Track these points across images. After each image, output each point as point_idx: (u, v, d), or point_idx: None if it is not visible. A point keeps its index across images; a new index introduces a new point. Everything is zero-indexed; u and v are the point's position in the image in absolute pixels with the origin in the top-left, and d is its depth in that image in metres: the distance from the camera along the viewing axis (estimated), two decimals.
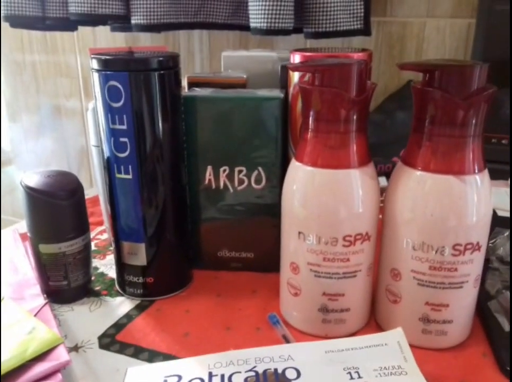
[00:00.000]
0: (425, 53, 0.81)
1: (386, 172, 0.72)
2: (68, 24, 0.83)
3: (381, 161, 0.73)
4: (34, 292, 0.44)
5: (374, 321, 0.42)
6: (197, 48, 0.92)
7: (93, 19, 0.79)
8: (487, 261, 0.45)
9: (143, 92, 0.40)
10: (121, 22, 0.83)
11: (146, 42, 0.95)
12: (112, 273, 0.50)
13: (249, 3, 0.73)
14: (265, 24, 0.71)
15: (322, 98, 0.35)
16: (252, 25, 0.73)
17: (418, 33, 0.80)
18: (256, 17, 0.72)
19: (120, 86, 0.39)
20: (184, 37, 0.92)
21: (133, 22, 0.78)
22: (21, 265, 0.49)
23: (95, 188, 0.67)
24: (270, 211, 0.48)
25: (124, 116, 0.40)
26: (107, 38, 0.98)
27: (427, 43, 0.80)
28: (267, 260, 0.50)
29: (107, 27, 0.89)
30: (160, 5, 0.76)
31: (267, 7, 0.70)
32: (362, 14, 0.75)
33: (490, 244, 0.49)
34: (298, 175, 0.38)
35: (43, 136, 1.18)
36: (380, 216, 0.40)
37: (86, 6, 0.76)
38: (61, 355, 0.35)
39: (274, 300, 0.45)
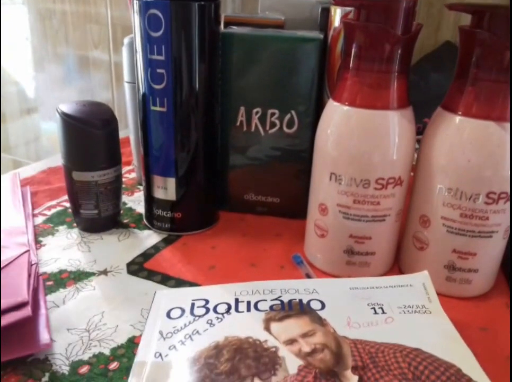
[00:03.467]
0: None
1: (417, 132, 0.71)
2: None
3: (416, 121, 0.72)
4: (20, 240, 0.43)
5: (397, 268, 0.43)
6: None
7: None
8: None
9: (183, 22, 0.39)
10: None
11: None
12: (139, 208, 0.51)
13: None
14: None
15: (367, 34, 0.35)
16: None
17: None
18: None
19: (160, 14, 0.39)
20: None
21: None
22: (15, 212, 0.48)
23: (122, 132, 0.67)
24: (299, 157, 0.48)
25: (163, 46, 0.40)
26: None
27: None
28: (293, 205, 0.50)
29: None
30: None
31: None
32: None
33: None
34: (334, 115, 0.38)
35: (69, 85, 1.18)
36: (414, 163, 0.39)
37: None
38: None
39: (298, 243, 0.45)
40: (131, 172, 0.61)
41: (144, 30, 0.40)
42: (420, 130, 0.41)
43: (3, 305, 0.32)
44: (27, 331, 0.32)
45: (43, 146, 1.28)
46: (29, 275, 0.36)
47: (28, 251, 0.40)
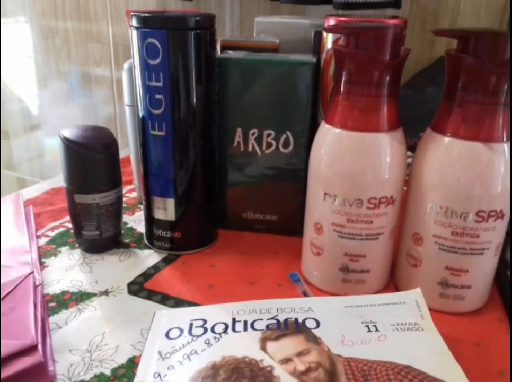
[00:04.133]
0: (460, 26, 0.80)
1: (412, 147, 0.72)
2: None
3: (408, 136, 0.73)
4: (24, 260, 0.44)
5: (393, 284, 0.43)
6: (228, 15, 0.92)
7: None
8: (508, 232, 0.46)
9: (180, 50, 0.41)
10: None
11: (177, 5, 0.95)
12: (140, 228, 0.52)
13: None
14: None
15: (356, 60, 0.36)
16: None
17: (453, 8, 0.79)
18: None
19: (157, 43, 0.40)
20: (215, 4, 0.92)
21: None
22: (18, 232, 0.49)
23: (124, 150, 0.68)
24: (295, 176, 0.49)
25: (161, 73, 0.41)
26: (139, 3, 0.98)
27: (461, 19, 0.79)
28: (290, 223, 0.51)
29: None
30: None
31: None
32: None
33: None
34: (327, 137, 0.39)
35: (72, 102, 1.20)
36: (405, 188, 0.40)
37: None
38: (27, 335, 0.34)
39: (295, 261, 0.46)
40: (132, 191, 0.62)
41: (142, 58, 0.41)
42: (416, 145, 0.42)
43: (12, 349, 0.32)
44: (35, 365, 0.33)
45: (47, 162, 1.30)
46: (35, 305, 0.37)
47: (32, 273, 0.42)
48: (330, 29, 0.43)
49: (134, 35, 0.41)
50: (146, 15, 0.40)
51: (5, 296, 0.39)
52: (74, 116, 1.20)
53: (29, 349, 0.32)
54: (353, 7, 0.74)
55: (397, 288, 0.43)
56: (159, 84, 0.42)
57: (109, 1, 1.02)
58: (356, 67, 0.36)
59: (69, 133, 0.44)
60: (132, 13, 0.41)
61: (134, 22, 0.41)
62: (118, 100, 1.11)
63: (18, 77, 1.25)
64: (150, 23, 0.40)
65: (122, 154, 0.69)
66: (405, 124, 0.56)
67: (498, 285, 0.43)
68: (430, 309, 0.36)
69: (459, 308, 0.40)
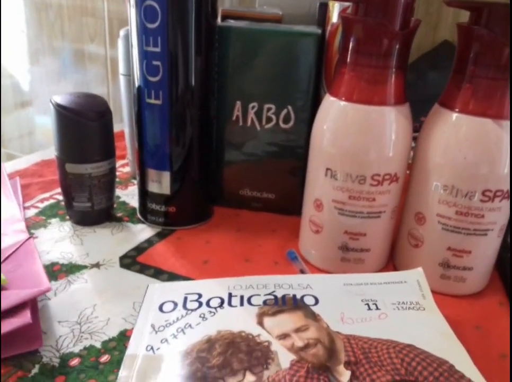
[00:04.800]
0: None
1: (414, 130, 0.71)
2: None
3: None
4: (18, 227, 0.43)
5: (392, 265, 0.42)
6: None
7: None
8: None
9: (180, 14, 0.39)
10: None
11: None
12: (133, 202, 0.51)
13: None
14: None
15: (365, 28, 0.35)
16: None
17: None
18: None
19: (156, 5, 0.38)
20: None
21: None
22: (8, 202, 0.48)
23: (117, 125, 0.67)
24: (294, 153, 0.48)
25: (159, 38, 0.39)
26: None
27: None
28: (288, 202, 0.50)
29: None
30: None
31: None
32: None
33: None
34: (331, 110, 0.38)
35: (65, 79, 1.18)
36: (410, 161, 0.39)
37: None
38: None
39: (293, 240, 0.45)
40: (125, 165, 0.60)
41: (140, 21, 0.39)
42: (417, 129, 0.41)
43: (28, 296, 0.31)
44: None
45: (37, 139, 1.27)
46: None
47: (31, 237, 0.40)
48: None
49: None
50: None
51: (7, 258, 0.38)
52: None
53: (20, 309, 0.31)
54: None
55: (396, 269, 0.42)
56: (157, 49, 0.40)
57: None
58: (364, 35, 0.35)
59: (61, 99, 0.42)
60: None
61: None
62: (112, 77, 1.09)
63: (9, 52, 1.22)
64: None
65: (115, 128, 0.68)
66: None
67: (498, 267, 0.42)
68: (431, 291, 0.35)
69: (460, 290, 0.39)
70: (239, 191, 0.51)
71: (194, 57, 0.41)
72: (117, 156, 0.61)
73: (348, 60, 0.36)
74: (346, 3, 0.42)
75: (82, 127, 0.42)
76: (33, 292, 0.31)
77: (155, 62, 0.40)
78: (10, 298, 0.31)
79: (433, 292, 0.37)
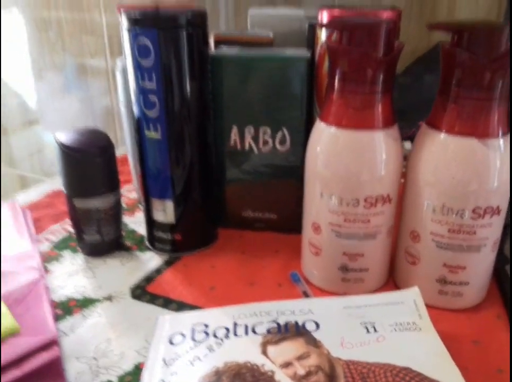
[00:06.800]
0: (458, 12, 0.79)
1: (411, 136, 0.72)
2: None
3: (406, 125, 0.73)
4: (31, 264, 0.44)
5: (392, 281, 0.44)
6: (223, 4, 0.91)
7: None
8: (508, 227, 0.46)
9: (172, 50, 0.41)
10: None
11: None
12: (141, 230, 0.53)
13: None
14: None
15: (349, 57, 0.36)
16: None
17: None
18: None
19: (149, 43, 0.40)
20: None
21: None
22: (20, 238, 0.49)
23: (122, 148, 0.69)
24: (293, 173, 0.49)
25: (153, 73, 0.41)
26: None
27: (460, 2, 0.78)
28: (290, 221, 0.52)
29: None
30: None
31: None
32: None
33: None
34: (322, 136, 0.39)
35: (69, 94, 1.20)
36: (402, 180, 0.41)
37: None
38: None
39: (295, 259, 0.46)
40: (131, 191, 0.62)
41: (134, 58, 0.41)
42: (414, 134, 0.42)
43: (33, 345, 0.33)
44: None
45: (47, 157, 1.30)
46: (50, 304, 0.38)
47: (41, 277, 0.42)
48: (323, 26, 0.42)
49: (125, 35, 0.41)
50: (136, 14, 0.40)
51: (18, 300, 0.40)
52: (72, 109, 1.20)
53: (47, 346, 0.33)
54: None
55: (396, 286, 0.43)
56: (152, 84, 0.41)
57: None
58: (349, 64, 0.36)
59: (65, 138, 0.44)
60: (122, 12, 0.41)
61: (124, 22, 0.41)
62: (115, 90, 1.11)
63: (14, 71, 1.24)
64: (140, 23, 0.40)
65: (120, 151, 0.70)
66: (403, 113, 0.55)
67: (497, 280, 0.43)
68: (429, 306, 0.37)
69: (458, 304, 0.40)
70: (241, 213, 0.52)
71: (189, 88, 0.43)
72: (123, 181, 0.63)
73: (335, 87, 0.38)
74: None
75: (87, 163, 0.44)
76: (37, 340, 0.33)
77: (151, 97, 0.42)
78: (16, 349, 0.33)
79: (432, 307, 0.38)
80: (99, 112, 1.17)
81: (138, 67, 0.42)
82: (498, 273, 0.42)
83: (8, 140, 1.34)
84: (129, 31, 0.40)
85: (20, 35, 1.17)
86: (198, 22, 0.42)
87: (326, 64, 0.47)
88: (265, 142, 0.49)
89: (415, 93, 0.74)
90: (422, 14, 0.81)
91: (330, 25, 0.42)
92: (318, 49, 0.47)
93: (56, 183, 0.64)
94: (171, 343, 0.34)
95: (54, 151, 0.45)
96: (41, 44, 1.16)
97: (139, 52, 0.41)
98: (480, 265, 0.39)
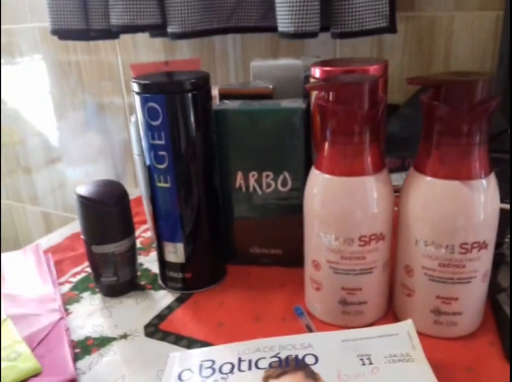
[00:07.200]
0: (454, 46, 0.82)
1: (407, 166, 0.74)
2: (110, 33, 0.89)
3: (409, 156, 0.76)
4: (52, 307, 0.48)
5: (392, 312, 0.46)
6: (231, 50, 0.96)
7: (132, 29, 0.85)
8: (501, 255, 0.48)
9: (179, 111, 0.45)
10: (159, 30, 0.88)
11: (183, 46, 1.00)
12: (155, 268, 0.56)
13: (277, 8, 0.76)
14: (292, 28, 0.74)
15: (336, 114, 0.39)
16: (280, 29, 0.76)
17: (447, 27, 0.81)
18: (283, 21, 0.75)
19: (157, 107, 0.44)
20: (218, 40, 0.96)
21: (169, 30, 0.83)
22: (43, 282, 0.53)
23: (138, 189, 0.73)
24: (296, 211, 0.52)
25: (162, 133, 0.45)
26: (146, 41, 1.03)
27: (456, 37, 0.81)
28: (294, 256, 0.54)
29: (147, 33, 0.95)
30: (194, 13, 0.81)
31: (293, 12, 0.73)
32: (387, 12, 0.76)
33: (506, 239, 0.51)
34: (317, 182, 0.42)
35: (89, 132, 1.26)
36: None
37: (126, 17, 0.82)
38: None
39: (300, 293, 0.49)
40: (147, 230, 0.66)
41: (145, 120, 0.45)
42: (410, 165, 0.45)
43: None
44: None
45: (69, 193, 1.36)
46: (69, 345, 0.41)
47: (62, 318, 0.46)
48: (311, 88, 0.46)
49: (136, 99, 0.45)
50: (145, 81, 0.44)
51: (40, 341, 0.43)
52: (92, 145, 1.25)
53: None
54: (349, 36, 0.77)
55: (395, 316, 0.45)
56: (162, 142, 0.46)
57: (117, 41, 1.07)
58: (337, 119, 0.39)
59: (84, 190, 0.48)
60: (132, 80, 0.45)
61: (135, 88, 0.45)
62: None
63: (36, 112, 1.31)
64: (149, 89, 0.44)
65: (137, 192, 0.74)
66: (406, 143, 0.58)
67: (491, 308, 0.45)
68: (426, 335, 0.39)
69: (453, 333, 0.42)
70: (249, 250, 0.56)
71: (195, 142, 0.47)
72: (139, 221, 0.67)
73: (327, 138, 0.41)
74: None
75: (104, 213, 0.48)
76: (58, 380, 0.37)
77: (161, 153, 0.46)
78: None
79: (428, 336, 0.41)
80: (117, 147, 1.22)
81: (148, 127, 0.46)
82: (492, 301, 0.44)
83: (32, 179, 1.40)
84: (139, 95, 0.45)
85: (43, 79, 1.24)
86: (202, 84, 0.46)
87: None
88: (268, 185, 0.52)
89: (418, 124, 0.77)
90: (420, 48, 0.84)
91: (318, 88, 0.45)
92: (312, 99, 0.51)
93: (76, 226, 0.68)
94: (180, 379, 0.37)
95: (76, 184, 0.49)
96: (62, 90, 1.23)
97: (149, 114, 0.45)
98: (472, 296, 0.41)
